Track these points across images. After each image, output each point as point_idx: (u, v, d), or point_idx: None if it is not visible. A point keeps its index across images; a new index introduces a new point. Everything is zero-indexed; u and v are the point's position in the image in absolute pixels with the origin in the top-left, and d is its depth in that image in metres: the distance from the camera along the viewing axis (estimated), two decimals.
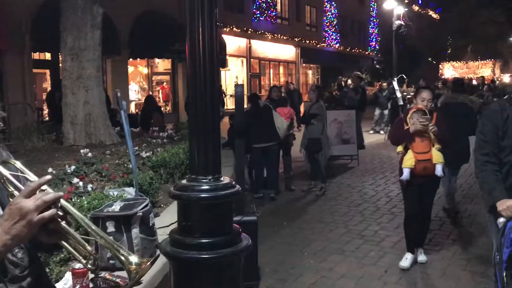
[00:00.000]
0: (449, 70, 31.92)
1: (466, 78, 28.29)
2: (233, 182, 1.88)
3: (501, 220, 2.65)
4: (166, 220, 3.89)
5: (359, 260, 5.01)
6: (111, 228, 2.77)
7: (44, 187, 1.42)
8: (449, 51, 38.81)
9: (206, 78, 1.77)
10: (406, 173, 4.57)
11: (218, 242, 1.78)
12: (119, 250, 1.36)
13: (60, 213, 1.41)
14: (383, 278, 4.54)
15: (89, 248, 1.38)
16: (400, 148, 4.72)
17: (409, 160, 4.54)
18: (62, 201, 1.41)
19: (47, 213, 1.35)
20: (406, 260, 4.75)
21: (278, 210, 7.10)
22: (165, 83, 20.22)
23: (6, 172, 1.45)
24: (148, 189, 4.26)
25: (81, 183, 4.61)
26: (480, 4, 36.46)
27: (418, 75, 30.31)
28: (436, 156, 4.55)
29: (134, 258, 1.34)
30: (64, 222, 1.41)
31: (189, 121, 1.90)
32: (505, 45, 37.15)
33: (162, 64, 20.08)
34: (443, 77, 25.44)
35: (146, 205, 3.03)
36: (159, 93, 19.97)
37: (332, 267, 4.82)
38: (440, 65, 34.30)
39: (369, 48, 38.59)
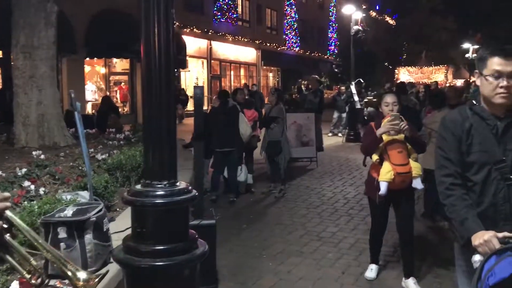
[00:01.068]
0: (405, 75, 32.87)
1: (420, 82, 29.24)
2: (190, 187, 1.85)
3: (477, 258, 2.08)
4: (122, 225, 3.78)
5: (317, 261, 5.06)
6: (62, 234, 2.67)
7: None
8: (404, 56, 39.99)
9: (162, 79, 1.72)
10: (384, 188, 4.08)
11: (173, 249, 1.74)
12: (66, 265, 1.30)
13: (5, 225, 1.33)
14: (340, 280, 4.60)
15: (34, 262, 1.31)
16: (375, 157, 4.20)
17: (388, 173, 4.04)
18: (7, 213, 1.33)
19: None
20: (372, 271, 4.59)
21: (238, 212, 7.08)
22: (123, 83, 19.82)
23: None
24: (103, 193, 4.15)
25: (32, 187, 4.44)
26: (433, 12, 37.79)
27: (375, 79, 31.11)
28: (416, 168, 4.16)
29: (82, 274, 1.28)
30: (8, 235, 1.34)
31: (144, 124, 1.85)
32: (457, 52, 38.64)
33: (120, 64, 19.68)
34: (399, 81, 26.16)
35: (100, 210, 2.94)
36: (116, 94, 19.55)
37: (290, 269, 4.84)
38: (396, 70, 35.28)
39: (328, 52, 39.24)
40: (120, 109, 15.65)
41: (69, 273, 1.28)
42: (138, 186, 1.84)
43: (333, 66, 37.83)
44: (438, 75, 31.62)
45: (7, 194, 1.39)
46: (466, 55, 38.31)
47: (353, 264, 4.96)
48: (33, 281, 1.32)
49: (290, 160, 8.99)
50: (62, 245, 2.66)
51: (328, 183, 8.95)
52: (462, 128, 2.29)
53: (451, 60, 37.71)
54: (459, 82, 32.19)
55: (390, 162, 4.10)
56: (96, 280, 1.29)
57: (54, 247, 2.57)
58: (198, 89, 3.76)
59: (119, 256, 1.77)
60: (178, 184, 1.82)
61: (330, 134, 15.87)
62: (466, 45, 38.38)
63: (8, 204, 1.32)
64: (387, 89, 12.07)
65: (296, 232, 6.05)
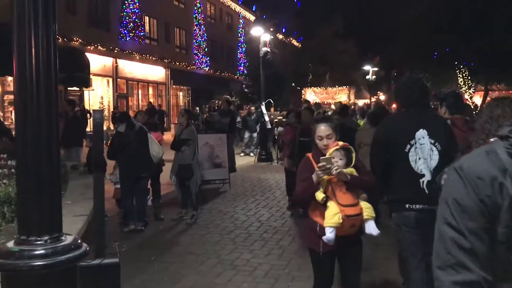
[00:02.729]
0: (311, 95, 34.15)
1: (325, 102, 30.49)
2: (79, 241, 1.51)
3: None
4: None
5: None
6: None
7: None
8: (310, 77, 41.60)
9: (40, 108, 1.39)
10: (331, 235, 3.29)
11: None
12: None
13: None
14: None
15: None
16: (321, 195, 3.33)
17: (335, 216, 3.25)
18: None
19: None
20: None
21: (146, 243, 6.61)
22: None
23: None
24: None
25: None
26: (335, 35, 39.88)
27: (284, 99, 31.91)
28: (367, 209, 3.40)
29: None
30: None
31: (17, 162, 1.49)
32: (358, 74, 41.03)
33: None
34: (305, 101, 27.06)
35: None
36: (11, 114, 17.95)
37: None
38: (302, 90, 36.53)
39: (238, 72, 39.66)
40: (13, 132, 14.33)
41: None
42: (10, 244, 1.46)
43: (243, 86, 38.28)
44: (342, 95, 33.21)
45: None
46: (367, 77, 40.84)
47: None
48: None
49: (202, 182, 8.71)
50: None
51: (241, 206, 8.76)
52: (492, 187, 1.25)
53: (352, 81, 39.92)
54: (361, 102, 34.08)
55: (336, 202, 3.30)
56: None
57: None
58: (97, 113, 3.37)
59: None
60: (63, 238, 1.48)
61: (242, 154, 15.82)
62: (366, 67, 40.92)
63: None
64: (292, 109, 12.07)
65: (209, 262, 5.75)
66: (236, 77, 39.15)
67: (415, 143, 3.58)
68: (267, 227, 7.27)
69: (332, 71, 40.24)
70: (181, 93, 32.46)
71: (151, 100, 27.81)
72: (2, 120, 13.33)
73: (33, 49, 1.41)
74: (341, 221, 3.27)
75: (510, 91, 23.82)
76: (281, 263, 5.71)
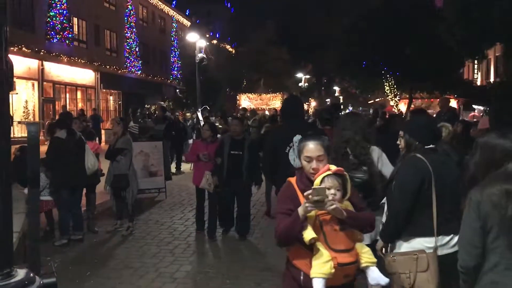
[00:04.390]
0: (246, 101, 34.39)
1: (260, 108, 30.82)
2: (31, 274, 1.42)
3: None
4: None
5: None
6: None
7: None
8: (244, 83, 41.95)
9: None
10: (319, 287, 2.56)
11: None
12: None
13: None
14: None
15: None
16: (310, 234, 2.57)
17: (326, 264, 2.53)
18: None
19: None
20: None
21: (80, 257, 6.32)
22: None
23: None
24: None
25: None
26: (269, 42, 40.55)
27: (219, 105, 31.88)
28: (365, 253, 2.67)
29: None
30: None
31: None
32: (291, 80, 41.96)
33: None
34: (241, 107, 27.21)
35: None
36: None
37: None
38: (237, 96, 36.72)
39: (171, 76, 39.11)
40: None
41: None
42: None
43: (177, 91, 37.80)
44: (275, 102, 33.76)
45: None
46: (300, 84, 41.85)
47: None
48: None
49: (137, 192, 8.47)
50: None
51: (179, 216, 8.63)
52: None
53: (286, 88, 40.75)
54: None
55: (327, 246, 2.58)
56: None
57: None
58: (32, 126, 3.16)
59: None
60: (15, 273, 1.39)
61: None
62: (299, 75, 41.94)
63: None
64: (223, 114, 11.89)
65: (148, 276, 5.60)
66: (169, 81, 38.57)
67: (293, 145, 4.68)
68: (205, 237, 7.22)
69: (266, 78, 40.84)
70: (111, 97, 31.43)
71: (80, 104, 26.71)
72: None
73: None
74: (333, 271, 2.52)
75: (432, 99, 25.39)
76: (222, 272, 5.70)
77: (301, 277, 2.66)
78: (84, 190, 7.50)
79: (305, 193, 2.55)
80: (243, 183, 6.93)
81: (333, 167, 2.68)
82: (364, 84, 25.85)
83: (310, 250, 2.60)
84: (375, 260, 2.69)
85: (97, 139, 13.49)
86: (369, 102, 41.01)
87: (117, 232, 7.40)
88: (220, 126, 12.58)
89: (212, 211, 7.29)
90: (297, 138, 4.75)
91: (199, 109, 15.55)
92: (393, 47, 20.42)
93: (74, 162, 6.73)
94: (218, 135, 8.26)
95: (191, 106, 24.27)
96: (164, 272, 5.70)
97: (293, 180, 2.82)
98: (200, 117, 14.80)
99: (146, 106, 26.02)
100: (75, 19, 25.94)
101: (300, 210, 2.57)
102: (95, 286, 5.29)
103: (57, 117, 17.54)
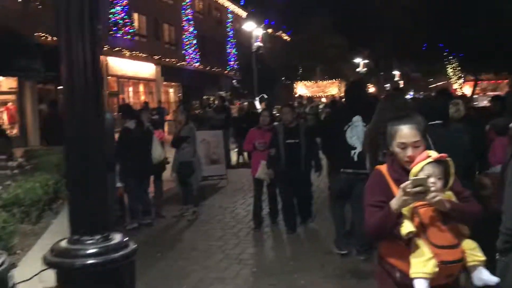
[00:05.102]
0: (302, 89, 34.27)
1: (316, 96, 30.63)
2: (126, 239, 1.59)
3: None
4: (26, 271, 3.30)
5: (240, 287, 4.90)
6: None
7: None
8: (300, 71, 41.74)
9: (91, 117, 1.46)
10: None
11: None
12: None
13: None
14: None
15: None
16: (409, 227, 2.29)
17: (427, 262, 2.24)
18: None
19: None
20: None
21: (150, 240, 6.68)
22: (10, 103, 18.12)
23: None
24: (1, 235, 3.62)
25: None
26: (325, 29, 40.00)
27: (275, 94, 31.99)
28: (472, 251, 2.35)
29: None
30: None
31: (68, 167, 1.56)
32: (348, 66, 41.27)
33: (6, 83, 17.99)
34: (297, 95, 27.19)
35: (3, 263, 2.51)
36: (3, 115, 17.82)
37: None
38: (294, 84, 36.65)
39: (228, 67, 39.62)
40: (7, 132, 14.27)
41: None
42: (64, 243, 1.54)
43: (234, 81, 38.28)
44: (332, 89, 33.36)
45: None
46: (357, 70, 41.08)
47: (278, 285, 4.86)
48: None
49: (200, 179, 8.77)
50: None
51: (240, 201, 8.85)
52: None
53: (343, 74, 40.14)
54: None
55: (428, 242, 2.28)
56: None
57: None
58: (108, 114, 3.40)
59: None
60: (112, 237, 1.56)
61: (236, 150, 15.88)
62: (356, 60, 41.17)
63: None
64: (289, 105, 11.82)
65: (214, 257, 5.84)
66: (226, 72, 39.11)
67: (351, 125, 5.25)
68: (268, 221, 7.36)
69: (322, 65, 40.41)
70: (171, 90, 32.38)
71: (142, 97, 27.73)
72: None
73: (79, 60, 1.48)
74: (436, 269, 2.23)
75: (500, 81, 24.14)
76: (285, 255, 5.83)
77: (397, 274, 2.39)
78: (152, 178, 7.87)
79: (401, 185, 2.24)
80: (302, 172, 6.59)
81: (433, 153, 2.37)
82: (425, 68, 24.97)
83: (406, 245, 2.31)
84: (483, 258, 2.34)
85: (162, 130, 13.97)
86: (430, 86, 39.57)
87: (183, 217, 7.72)
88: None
89: (273, 203, 7.19)
90: (356, 118, 5.29)
91: (257, 98, 15.70)
92: (456, 26, 19.52)
93: (142, 151, 7.07)
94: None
95: (248, 95, 24.51)
96: (230, 254, 5.91)
97: (382, 168, 2.51)
98: (258, 106, 14.95)
99: (204, 97, 26.60)
100: (136, 15, 26.85)
101: (395, 203, 2.27)
102: (167, 266, 5.58)
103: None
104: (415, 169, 2.32)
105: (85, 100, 1.49)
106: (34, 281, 3.07)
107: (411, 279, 2.27)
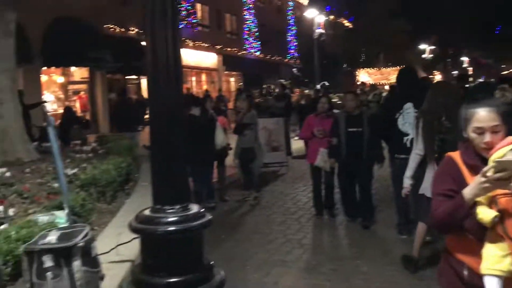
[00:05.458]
0: (365, 76, 33.58)
1: (379, 83, 29.88)
2: (202, 210, 1.71)
3: None
4: (104, 245, 3.56)
5: (303, 270, 4.98)
6: (48, 262, 2.45)
7: None
8: (362, 58, 40.83)
9: (173, 101, 1.59)
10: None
11: (189, 280, 1.59)
12: None
13: None
14: None
15: None
16: (490, 213, 2.03)
17: (503, 258, 2.03)
18: None
19: None
20: None
21: (214, 223, 6.83)
22: (82, 92, 19.19)
23: None
24: (81, 211, 3.91)
25: (1, 208, 4.14)
26: (389, 14, 38.75)
27: (336, 81, 31.57)
28: None
29: None
30: None
31: (153, 146, 1.70)
32: (413, 53, 39.81)
33: (79, 73, 19.05)
34: (359, 82, 26.67)
35: (87, 234, 2.73)
36: (76, 103, 18.90)
37: (277, 280, 4.73)
38: (356, 72, 35.99)
39: (288, 55, 39.51)
40: (84, 120, 15.15)
41: None
42: (147, 211, 1.68)
43: (294, 69, 38.15)
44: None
45: None
46: (423, 56, 39.55)
47: (339, 270, 4.89)
48: None
49: (261, 165, 8.90)
50: (49, 274, 2.44)
51: (301, 188, 8.90)
52: None
53: (407, 61, 38.80)
54: None
55: (506, 236, 2.04)
56: None
57: (39, 277, 2.36)
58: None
59: None
60: (190, 207, 1.68)
61: (296, 138, 15.90)
62: (422, 46, 39.63)
63: None
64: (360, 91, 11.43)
65: (277, 241, 5.95)
66: (286, 60, 39.03)
67: (403, 112, 5.37)
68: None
69: (385, 51, 39.28)
70: (232, 79, 32.83)
71: (204, 86, 28.32)
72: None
73: (164, 54, 1.61)
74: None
75: None
76: (347, 242, 5.84)
77: (465, 272, 2.18)
78: (215, 163, 8.09)
79: (483, 169, 1.99)
80: (364, 163, 6.24)
81: None
82: (497, 53, 23.62)
83: (479, 239, 2.10)
84: None
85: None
86: (502, 73, 37.40)
87: (245, 202, 7.90)
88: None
89: (330, 192, 6.94)
90: (408, 105, 5.40)
91: (318, 86, 15.60)
92: None
93: (206, 137, 7.29)
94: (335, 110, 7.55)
95: (308, 83, 24.35)
96: (292, 239, 6.00)
97: (455, 155, 2.29)
98: (320, 94, 14.85)
99: (264, 85, 26.73)
100: (199, 5, 27.38)
101: (470, 192, 2.05)
102: (231, 248, 5.76)
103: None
104: (496, 155, 2.06)
105: (168, 85, 1.61)
106: (111, 255, 3.29)
107: (481, 278, 2.04)
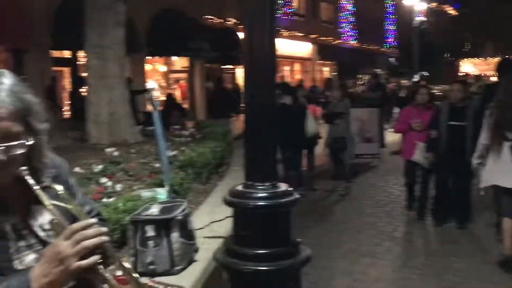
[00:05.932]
0: (469, 67, 31.44)
1: (485, 74, 27.81)
2: (291, 189, 1.79)
3: None
4: (199, 222, 3.80)
5: (392, 262, 4.90)
6: (150, 232, 2.70)
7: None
8: (467, 48, 38.19)
9: (266, 85, 1.68)
10: None
11: (276, 253, 1.69)
12: None
13: (100, 260, 1.30)
14: (418, 282, 4.41)
15: None
16: None
17: None
18: (105, 245, 1.31)
19: (86, 262, 1.24)
20: None
21: (302, 210, 6.95)
22: (182, 81, 20.21)
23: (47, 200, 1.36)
24: (179, 190, 4.19)
25: (109, 183, 4.56)
26: (497, 1, 35.77)
27: (436, 72, 29.91)
28: None
29: None
30: (104, 267, 1.32)
31: (246, 126, 1.82)
32: None
33: (180, 62, 20.07)
34: (462, 73, 25.06)
35: (185, 209, 2.95)
36: (176, 91, 19.97)
37: (364, 270, 4.71)
38: (459, 62, 33.81)
39: (385, 45, 38.16)
40: (184, 106, 16.02)
41: None
42: (239, 187, 1.80)
43: (391, 59, 36.78)
44: None
45: (92, 220, 1.35)
46: None
47: (431, 266, 4.74)
48: None
49: (353, 156, 8.79)
50: (151, 243, 2.68)
51: (393, 181, 8.64)
52: None
53: None
54: None
55: None
56: None
57: (142, 245, 2.60)
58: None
59: (222, 260, 1.75)
60: (279, 185, 1.77)
61: (391, 131, 15.41)
62: None
63: (105, 238, 1.29)
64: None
65: (366, 232, 5.89)
66: (383, 50, 37.74)
67: None
68: None
69: (493, 40, 36.35)
70: (326, 68, 32.49)
71: (298, 76, 28.38)
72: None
73: (260, 44, 1.71)
74: None
75: None
76: (442, 238, 5.62)
77: None
78: (305, 152, 8.15)
79: None
80: (466, 161, 5.46)
81: None
82: None
83: None
84: None
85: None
86: None
87: (335, 192, 7.87)
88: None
89: (424, 191, 6.34)
90: None
91: (416, 76, 14.94)
92: None
93: (297, 125, 7.37)
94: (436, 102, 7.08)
95: (405, 73, 23.34)
96: (382, 231, 5.90)
97: None
98: None
99: (358, 75, 26.17)
100: None
101: None
102: (317, 235, 5.80)
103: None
104: None
105: (263, 75, 1.71)
106: (205, 231, 3.51)
107: None
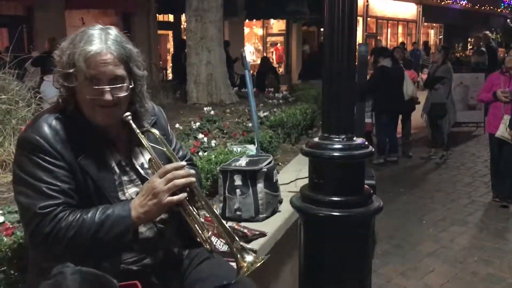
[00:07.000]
0: None
1: None
2: (366, 143, 1.85)
3: None
4: (285, 178, 3.96)
5: (482, 232, 4.72)
6: (238, 181, 2.90)
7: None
8: None
9: (344, 40, 1.73)
10: None
11: (349, 201, 1.78)
12: (234, 243, 1.43)
13: (188, 198, 1.51)
14: (508, 255, 4.22)
15: (206, 234, 1.47)
16: None
17: None
18: (193, 185, 1.51)
19: (176, 198, 1.46)
20: None
21: (394, 176, 6.89)
22: (279, 44, 20.29)
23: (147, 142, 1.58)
24: (268, 147, 4.37)
25: (205, 139, 4.87)
26: None
27: None
28: None
29: (249, 257, 1.40)
30: (191, 204, 1.52)
31: (324, 81, 1.89)
32: None
33: (277, 25, 20.11)
34: None
35: (270, 162, 3.11)
36: (272, 55, 20.12)
37: (453, 237, 4.60)
38: None
39: (502, 4, 34.69)
40: (279, 71, 16.19)
41: (237, 252, 1.42)
42: (316, 139, 1.90)
43: (508, 20, 33.44)
44: None
45: (183, 163, 1.55)
46: None
47: None
48: (207, 246, 1.49)
49: (454, 124, 8.36)
50: (238, 191, 2.89)
51: None
52: None
53: None
54: None
55: None
56: (259, 264, 1.40)
57: (230, 192, 2.83)
58: (362, 46, 3.64)
59: (297, 204, 1.88)
60: (354, 139, 1.84)
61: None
62: None
63: (193, 179, 1.48)
64: None
65: (460, 201, 5.69)
66: (499, 10, 34.38)
67: None
68: None
69: None
70: (432, 31, 30.52)
71: (400, 39, 27.04)
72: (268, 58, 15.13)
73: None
74: None
75: None
76: None
77: None
78: (400, 117, 7.92)
79: None
80: None
81: None
82: None
83: None
84: None
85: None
86: None
87: (431, 159, 7.61)
88: None
89: (509, 172, 5.42)
90: None
91: None
92: None
93: (395, 88, 7.17)
94: None
95: None
96: (477, 200, 5.66)
97: None
98: None
99: (469, 40, 24.24)
100: None
101: None
102: (407, 201, 5.74)
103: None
104: None
105: (342, 33, 1.77)
106: (290, 186, 3.69)
107: None
